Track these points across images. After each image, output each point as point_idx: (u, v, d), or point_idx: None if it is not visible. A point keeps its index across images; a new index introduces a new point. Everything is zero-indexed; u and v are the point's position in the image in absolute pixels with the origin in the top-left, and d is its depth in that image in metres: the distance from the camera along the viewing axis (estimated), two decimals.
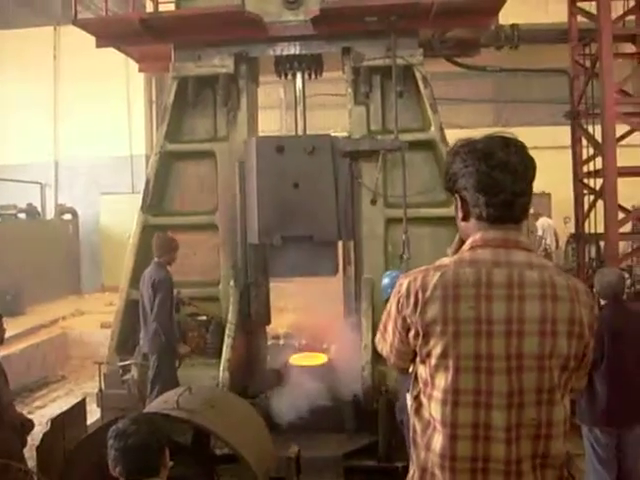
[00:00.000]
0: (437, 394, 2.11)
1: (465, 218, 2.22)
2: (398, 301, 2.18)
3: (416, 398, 2.22)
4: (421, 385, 2.19)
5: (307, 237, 6.88)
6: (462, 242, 2.26)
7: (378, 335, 2.37)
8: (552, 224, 16.15)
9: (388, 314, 2.26)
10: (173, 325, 6.80)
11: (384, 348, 2.34)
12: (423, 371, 2.17)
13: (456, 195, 2.23)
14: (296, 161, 6.94)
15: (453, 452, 2.07)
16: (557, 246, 15.82)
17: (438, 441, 2.10)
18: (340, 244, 7.43)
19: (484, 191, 2.13)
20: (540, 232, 15.95)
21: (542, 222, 16.06)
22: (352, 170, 7.18)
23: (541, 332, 2.06)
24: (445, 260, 2.20)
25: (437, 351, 2.09)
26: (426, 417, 2.17)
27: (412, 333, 2.15)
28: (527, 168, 2.15)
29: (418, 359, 2.19)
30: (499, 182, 2.10)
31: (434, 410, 2.12)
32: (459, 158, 2.18)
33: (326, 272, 7.09)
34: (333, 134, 7.53)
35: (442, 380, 2.09)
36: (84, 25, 7.60)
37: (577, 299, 2.11)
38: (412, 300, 2.12)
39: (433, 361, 2.11)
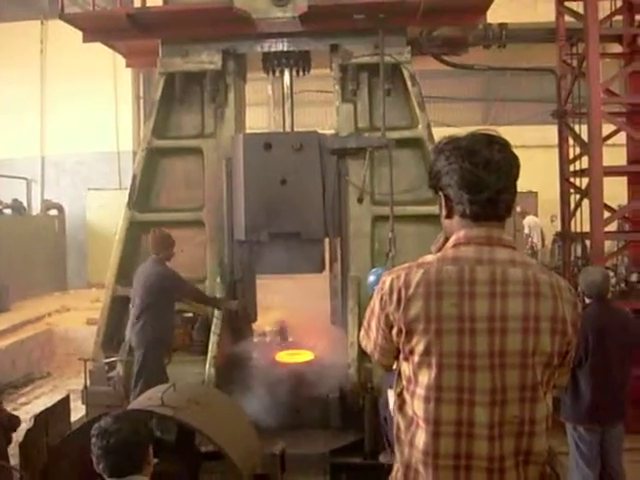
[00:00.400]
0: (420, 391, 2.11)
1: (449, 215, 2.23)
2: (381, 298, 2.18)
3: (399, 395, 2.23)
4: (404, 382, 2.19)
5: (294, 234, 6.88)
6: (446, 240, 2.27)
7: (362, 332, 2.37)
8: (539, 222, 16.25)
9: (371, 311, 2.26)
10: (173, 320, 6.89)
11: (368, 345, 2.35)
12: (406, 368, 2.17)
13: (440, 193, 2.24)
14: (283, 158, 6.92)
15: (436, 449, 2.08)
16: (543, 244, 15.91)
17: (421, 438, 2.11)
18: (327, 241, 7.42)
19: (468, 188, 2.13)
20: (527, 230, 16.05)
21: (529, 220, 16.15)
22: (339, 167, 7.18)
23: (524, 329, 2.07)
24: (428, 257, 2.20)
25: (420, 348, 2.10)
26: (409, 414, 2.17)
27: (395, 330, 2.15)
28: (511, 166, 2.16)
29: (401, 356, 2.19)
30: (483, 180, 2.11)
31: (417, 407, 2.12)
32: (443, 156, 2.19)
33: (312, 269, 7.08)
34: (320, 131, 7.51)
35: (425, 377, 2.10)
36: (71, 20, 7.53)
37: (560, 296, 2.12)
38: (395, 297, 2.13)
39: (416, 358, 2.12)
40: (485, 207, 2.14)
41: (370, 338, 2.30)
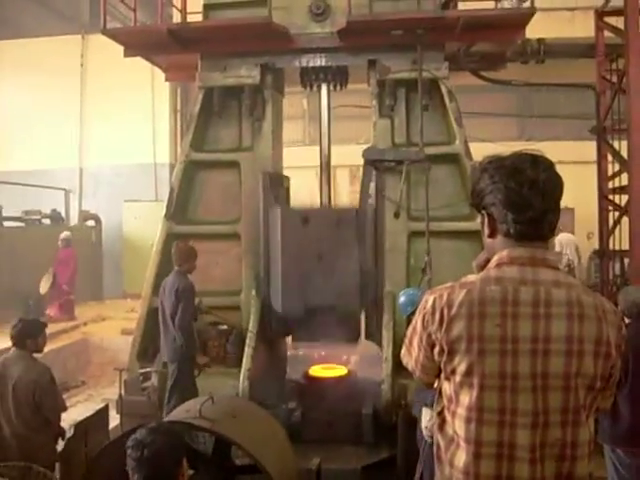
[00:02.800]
0: (461, 411, 2.10)
1: (492, 235, 2.21)
2: (423, 317, 2.17)
3: (440, 414, 2.22)
4: (445, 401, 2.18)
5: (330, 307, 6.92)
6: (488, 259, 2.25)
7: (403, 349, 2.37)
8: (573, 239, 15.92)
9: (414, 329, 2.25)
10: (194, 334, 6.84)
11: (409, 362, 2.34)
12: (447, 388, 2.16)
13: (483, 212, 2.22)
14: (321, 233, 7.02)
15: (476, 469, 2.06)
16: (579, 262, 15.64)
17: (461, 458, 2.10)
18: None
19: (512, 208, 2.12)
20: (558, 248, 15.71)
21: (561, 238, 15.79)
22: (377, 185, 7.17)
23: (567, 351, 2.04)
24: (471, 277, 2.18)
25: (462, 368, 2.09)
26: (450, 433, 2.16)
27: (437, 349, 2.15)
28: (555, 186, 2.14)
29: (442, 375, 2.18)
30: (528, 200, 2.09)
31: (458, 427, 2.11)
32: (487, 174, 2.17)
33: (348, 341, 7.26)
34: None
35: (466, 397, 2.09)
36: (113, 35, 7.68)
37: (604, 318, 2.10)
38: (437, 317, 2.12)
39: (457, 378, 2.10)
40: (529, 227, 2.13)
41: (412, 355, 2.29)
